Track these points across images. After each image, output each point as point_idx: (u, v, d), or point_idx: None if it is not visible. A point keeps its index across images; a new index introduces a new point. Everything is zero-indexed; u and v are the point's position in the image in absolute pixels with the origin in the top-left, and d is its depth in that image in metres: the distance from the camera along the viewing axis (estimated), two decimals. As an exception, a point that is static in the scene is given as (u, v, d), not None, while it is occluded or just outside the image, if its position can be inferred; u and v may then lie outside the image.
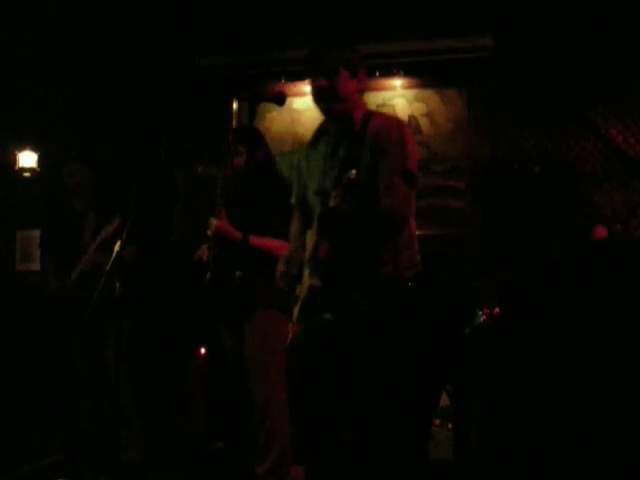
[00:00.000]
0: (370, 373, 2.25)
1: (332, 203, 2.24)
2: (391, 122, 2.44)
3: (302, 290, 2.50)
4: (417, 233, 2.45)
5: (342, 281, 2.32)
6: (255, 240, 2.87)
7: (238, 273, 2.90)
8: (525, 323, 2.99)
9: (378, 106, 4.54)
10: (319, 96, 2.43)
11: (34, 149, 4.76)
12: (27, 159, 4.75)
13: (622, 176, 4.24)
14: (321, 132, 2.56)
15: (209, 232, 3.08)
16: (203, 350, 4.23)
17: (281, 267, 2.61)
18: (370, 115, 2.43)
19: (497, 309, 3.24)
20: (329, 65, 2.37)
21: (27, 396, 4.44)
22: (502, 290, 3.26)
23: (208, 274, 3.07)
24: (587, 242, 3.76)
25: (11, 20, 4.53)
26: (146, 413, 3.84)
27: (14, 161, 4.75)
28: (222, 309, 3.13)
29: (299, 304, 2.51)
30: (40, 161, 4.78)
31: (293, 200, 2.71)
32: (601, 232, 3.75)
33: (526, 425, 2.73)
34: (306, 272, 2.47)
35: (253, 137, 3.14)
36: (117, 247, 3.32)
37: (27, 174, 4.77)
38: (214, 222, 3.04)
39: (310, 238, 2.51)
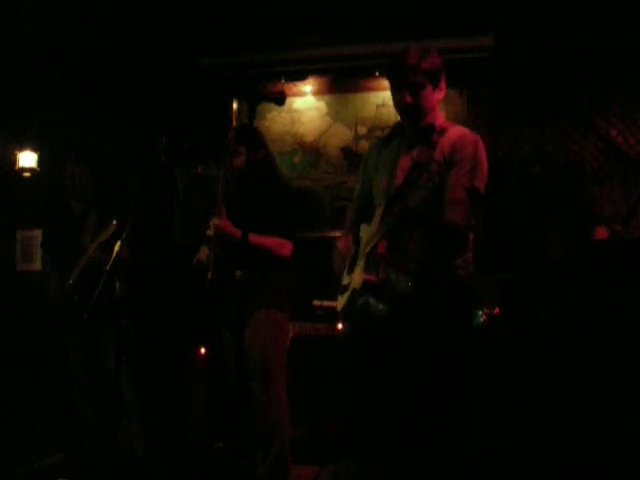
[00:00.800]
0: (419, 364, 2.30)
1: (412, 204, 2.31)
2: (467, 136, 2.44)
3: (353, 281, 2.52)
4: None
5: (398, 278, 2.38)
6: (255, 239, 2.87)
7: (238, 273, 2.90)
8: (525, 323, 3.00)
9: (378, 106, 4.55)
10: (402, 111, 2.45)
11: (34, 149, 4.76)
12: (27, 159, 4.75)
13: (622, 176, 4.25)
14: (397, 131, 2.58)
15: (209, 232, 3.08)
16: (203, 350, 4.23)
17: (336, 256, 2.66)
18: (448, 126, 2.46)
19: (497, 309, 3.24)
20: (415, 82, 2.38)
21: (27, 396, 4.43)
22: (502, 290, 3.27)
23: (209, 274, 3.08)
24: (587, 242, 3.76)
25: (11, 21, 4.53)
26: (146, 413, 3.84)
27: (14, 161, 4.76)
28: (222, 309, 3.14)
29: (347, 294, 2.55)
30: (40, 161, 4.78)
31: (356, 191, 2.76)
32: (602, 234, 3.75)
33: (525, 425, 2.74)
34: (360, 264, 2.50)
35: (253, 137, 3.14)
36: (117, 247, 3.32)
37: (27, 174, 4.77)
38: (215, 221, 3.04)
39: (366, 231, 2.54)
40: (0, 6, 4.36)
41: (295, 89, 4.66)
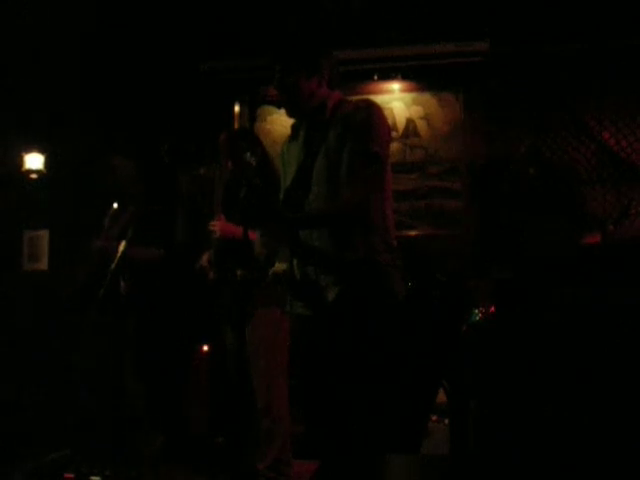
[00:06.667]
0: (349, 360, 2.15)
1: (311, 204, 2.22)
2: (359, 105, 2.30)
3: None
4: (414, 233, 2.42)
5: (308, 267, 2.25)
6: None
7: (240, 273, 2.95)
8: (521, 322, 3.03)
9: (377, 109, 4.62)
10: (282, 102, 2.36)
11: (41, 151, 4.81)
12: (34, 161, 4.79)
13: (614, 178, 4.30)
14: (300, 124, 2.46)
15: (214, 235, 3.14)
16: (206, 348, 4.29)
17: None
18: (343, 102, 2.34)
19: (492, 307, 3.28)
20: (283, 74, 2.29)
21: (34, 394, 4.49)
22: (499, 290, 3.31)
23: (211, 274, 3.14)
24: (578, 246, 3.80)
25: (16, 23, 4.60)
26: (149, 409, 3.88)
27: (21, 163, 4.80)
28: (224, 308, 3.20)
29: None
30: (47, 163, 4.84)
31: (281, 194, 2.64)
32: (593, 239, 3.79)
33: (521, 422, 2.77)
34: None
35: (248, 139, 3.18)
36: (122, 247, 3.39)
37: (34, 176, 4.82)
38: (216, 224, 3.10)
39: None
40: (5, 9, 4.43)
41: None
